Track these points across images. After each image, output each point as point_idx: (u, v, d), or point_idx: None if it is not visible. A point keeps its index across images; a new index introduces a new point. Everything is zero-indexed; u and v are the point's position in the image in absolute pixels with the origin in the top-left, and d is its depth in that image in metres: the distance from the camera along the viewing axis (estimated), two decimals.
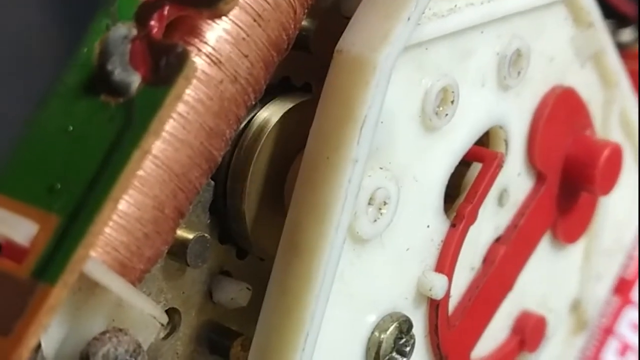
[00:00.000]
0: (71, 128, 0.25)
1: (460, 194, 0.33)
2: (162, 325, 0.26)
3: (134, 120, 0.24)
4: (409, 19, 0.28)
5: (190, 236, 0.28)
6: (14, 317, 0.23)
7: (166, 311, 0.29)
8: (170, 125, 0.25)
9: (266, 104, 0.30)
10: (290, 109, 0.30)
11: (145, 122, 0.24)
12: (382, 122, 0.28)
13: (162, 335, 0.29)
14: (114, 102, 0.25)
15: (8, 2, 0.19)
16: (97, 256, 0.24)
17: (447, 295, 0.32)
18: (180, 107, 0.25)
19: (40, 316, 0.23)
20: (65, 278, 0.23)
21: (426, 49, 0.29)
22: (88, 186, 0.24)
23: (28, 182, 0.24)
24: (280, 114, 0.30)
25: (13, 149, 0.20)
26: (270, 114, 0.30)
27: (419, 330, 0.32)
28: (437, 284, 0.31)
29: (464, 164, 0.33)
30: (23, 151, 0.24)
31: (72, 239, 0.23)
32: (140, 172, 0.25)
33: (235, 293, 0.30)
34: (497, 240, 0.35)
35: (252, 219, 0.30)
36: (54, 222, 0.24)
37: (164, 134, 0.25)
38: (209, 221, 0.30)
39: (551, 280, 0.39)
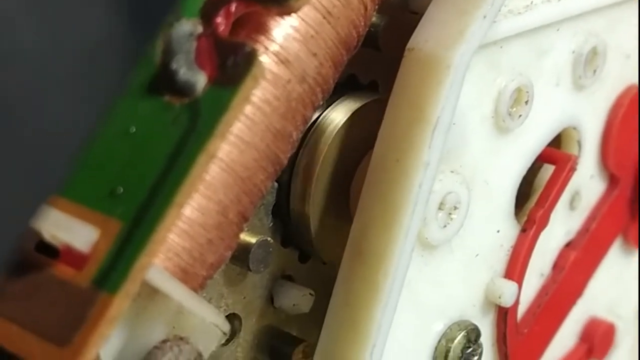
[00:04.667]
0: (134, 130, 0.24)
1: (531, 197, 0.32)
2: (224, 333, 0.26)
3: (199, 122, 0.23)
4: (485, 16, 0.27)
5: (253, 240, 0.28)
6: (73, 327, 0.22)
7: (226, 317, 0.29)
8: (235, 127, 0.24)
9: (332, 103, 0.29)
10: (357, 109, 0.29)
11: (211, 124, 0.23)
12: (454, 124, 0.28)
13: (222, 341, 0.27)
14: (179, 103, 0.24)
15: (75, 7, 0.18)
16: (158, 262, 0.24)
17: (517, 302, 0.32)
18: (247, 108, 0.25)
19: (101, 327, 0.22)
20: (127, 287, 0.22)
21: (501, 47, 0.29)
22: (151, 191, 0.23)
23: (89, 185, 0.23)
24: (348, 115, 0.29)
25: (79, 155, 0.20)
26: (337, 114, 0.29)
27: (487, 338, 0.32)
28: (507, 291, 0.31)
29: (535, 165, 0.32)
30: (85, 153, 0.23)
31: (135, 246, 0.22)
32: (204, 176, 0.24)
33: (297, 299, 0.30)
34: (568, 245, 0.34)
35: (316, 223, 0.29)
36: (116, 227, 0.23)
37: (229, 135, 0.24)
38: (271, 224, 0.29)
39: (620, 285, 0.38)
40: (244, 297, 0.29)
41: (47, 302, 0.23)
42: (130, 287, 0.22)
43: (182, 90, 0.24)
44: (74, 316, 0.22)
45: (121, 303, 0.22)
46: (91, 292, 0.22)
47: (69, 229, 0.23)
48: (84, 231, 0.23)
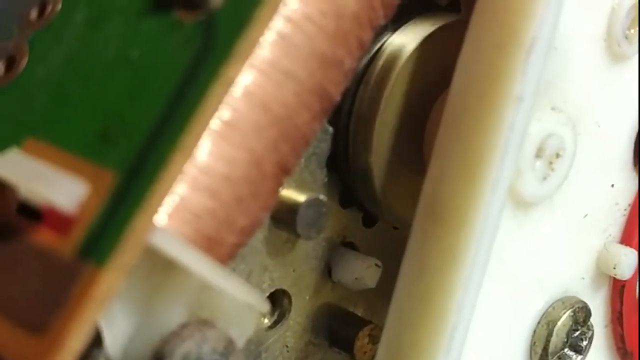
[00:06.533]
0: (134, 55, 0.22)
1: None
2: (263, 314, 0.26)
3: (215, 41, 0.21)
4: None
5: (302, 199, 0.26)
6: (51, 311, 0.20)
7: (272, 294, 0.27)
8: (269, 52, 0.22)
9: (401, 26, 0.27)
10: (432, 33, 0.27)
11: (230, 42, 0.21)
12: (555, 48, 0.25)
13: (266, 324, 0.28)
14: (191, 20, 0.22)
15: None
16: (172, 226, 0.21)
17: (636, 274, 0.29)
18: (283, 27, 0.22)
19: (86, 310, 0.19)
20: (121, 258, 0.20)
21: None
22: (154, 131, 0.21)
23: (76, 125, 0.21)
24: (419, 40, 0.27)
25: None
26: (406, 39, 0.27)
27: (598, 319, 0.29)
28: (624, 260, 0.29)
29: None
30: (69, 84, 0.22)
31: (132, 204, 0.20)
32: (229, 115, 0.21)
33: (361, 271, 0.28)
34: None
35: (381, 177, 0.27)
36: (109, 180, 0.20)
37: (260, 63, 0.22)
38: (326, 179, 0.27)
39: None
40: (294, 270, 0.28)
41: (24, 279, 0.21)
42: (125, 257, 0.20)
43: (195, 2, 0.22)
44: (53, 296, 0.20)
45: (113, 278, 0.20)
46: (75, 265, 0.20)
47: (51, 183, 0.22)
48: (69, 185, 0.21)
